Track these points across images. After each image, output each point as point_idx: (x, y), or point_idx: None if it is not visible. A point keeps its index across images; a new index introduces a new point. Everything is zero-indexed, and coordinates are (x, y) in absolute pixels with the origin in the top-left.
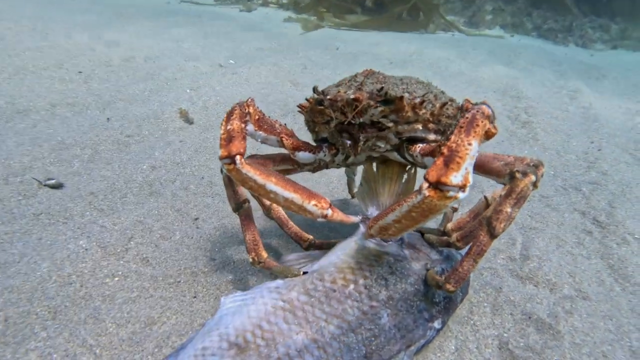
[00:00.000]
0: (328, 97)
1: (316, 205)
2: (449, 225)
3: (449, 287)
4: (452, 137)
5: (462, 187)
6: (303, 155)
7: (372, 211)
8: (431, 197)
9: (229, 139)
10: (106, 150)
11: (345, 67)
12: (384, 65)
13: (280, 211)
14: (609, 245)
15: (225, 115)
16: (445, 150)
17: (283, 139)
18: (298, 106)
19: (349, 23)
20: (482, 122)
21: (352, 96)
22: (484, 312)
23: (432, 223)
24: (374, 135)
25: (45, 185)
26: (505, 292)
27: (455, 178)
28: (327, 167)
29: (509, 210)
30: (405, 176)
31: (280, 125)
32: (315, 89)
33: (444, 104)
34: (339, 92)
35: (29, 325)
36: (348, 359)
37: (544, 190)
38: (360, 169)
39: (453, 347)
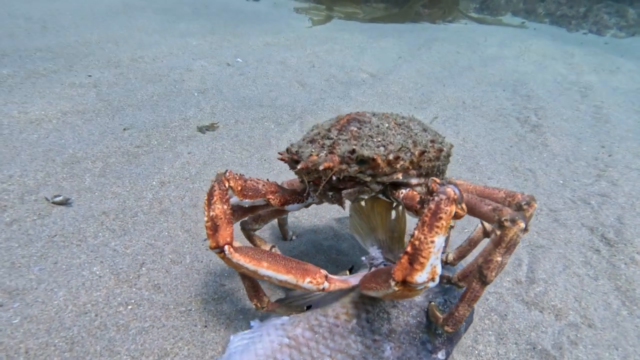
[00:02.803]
0: (299, 166)
1: (311, 282)
2: (451, 256)
3: (448, 329)
4: (416, 233)
5: (430, 280)
6: (292, 207)
7: (371, 249)
8: (401, 290)
9: (214, 227)
10: (116, 162)
11: (353, 63)
12: (393, 60)
13: None
14: (617, 265)
15: (205, 197)
16: (409, 247)
17: (270, 199)
18: (278, 158)
19: (360, 15)
20: (446, 212)
21: (322, 167)
22: (488, 342)
23: None
24: (355, 189)
25: (52, 203)
26: (510, 319)
27: (420, 277)
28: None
29: (499, 259)
30: (394, 212)
31: (264, 184)
32: (288, 150)
33: (423, 152)
34: (311, 155)
35: (48, 357)
36: None
37: (553, 202)
38: None
39: None
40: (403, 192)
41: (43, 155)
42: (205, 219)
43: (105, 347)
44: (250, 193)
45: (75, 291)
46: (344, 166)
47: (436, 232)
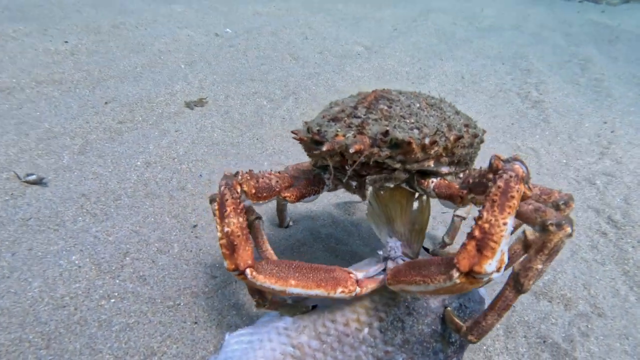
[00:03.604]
0: (325, 147)
1: (344, 291)
2: None
3: (472, 339)
4: (485, 214)
5: (497, 270)
6: (308, 199)
7: (390, 241)
8: (462, 283)
9: (231, 246)
10: (97, 139)
11: (348, 35)
12: (388, 32)
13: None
14: (624, 248)
15: (216, 207)
16: (476, 231)
17: (286, 197)
18: (293, 137)
19: None
20: (517, 190)
21: (352, 150)
22: (497, 336)
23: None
24: (380, 176)
25: (25, 182)
26: (518, 311)
27: (490, 266)
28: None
29: (539, 267)
30: (416, 203)
31: (277, 178)
32: (309, 129)
33: (459, 137)
34: (336, 135)
35: (22, 354)
36: None
37: (557, 183)
38: None
39: None
40: (434, 181)
41: (15, 129)
42: (219, 234)
43: (85, 345)
44: (264, 194)
45: (52, 282)
46: (375, 150)
47: (508, 213)
